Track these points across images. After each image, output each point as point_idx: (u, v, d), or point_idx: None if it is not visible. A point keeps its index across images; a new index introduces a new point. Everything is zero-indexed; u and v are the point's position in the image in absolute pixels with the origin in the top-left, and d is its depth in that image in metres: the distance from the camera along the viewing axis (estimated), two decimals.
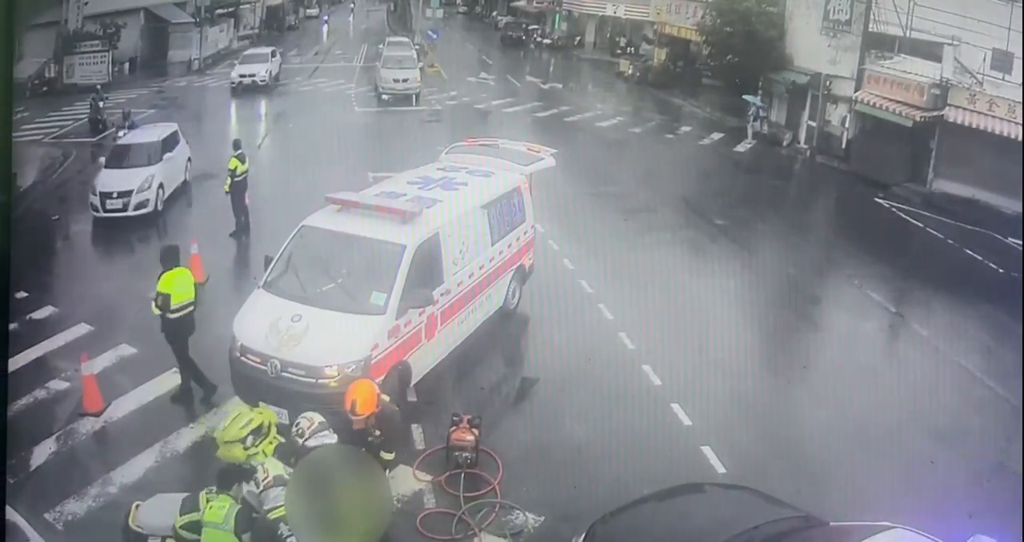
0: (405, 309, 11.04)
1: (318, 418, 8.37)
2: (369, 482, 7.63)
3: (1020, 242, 19.00)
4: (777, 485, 9.05)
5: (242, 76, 31.55)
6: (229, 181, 17.34)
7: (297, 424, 8.31)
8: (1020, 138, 20.79)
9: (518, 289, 14.25)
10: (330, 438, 8.20)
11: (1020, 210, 20.88)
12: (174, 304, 11.33)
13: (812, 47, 27.97)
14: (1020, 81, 21.53)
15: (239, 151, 17.53)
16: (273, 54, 33.75)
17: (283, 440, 8.26)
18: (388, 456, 8.94)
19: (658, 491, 8.68)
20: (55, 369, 12.06)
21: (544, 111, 32.37)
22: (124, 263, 17.73)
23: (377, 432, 8.82)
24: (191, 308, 11.52)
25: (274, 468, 7.73)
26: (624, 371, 12.52)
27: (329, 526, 7.26)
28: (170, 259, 11.52)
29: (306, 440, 8.15)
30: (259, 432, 8.04)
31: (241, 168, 17.38)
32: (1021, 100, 21.01)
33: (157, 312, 11.45)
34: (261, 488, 7.60)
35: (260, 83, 31.59)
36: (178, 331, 11.49)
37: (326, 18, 51.96)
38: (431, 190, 12.85)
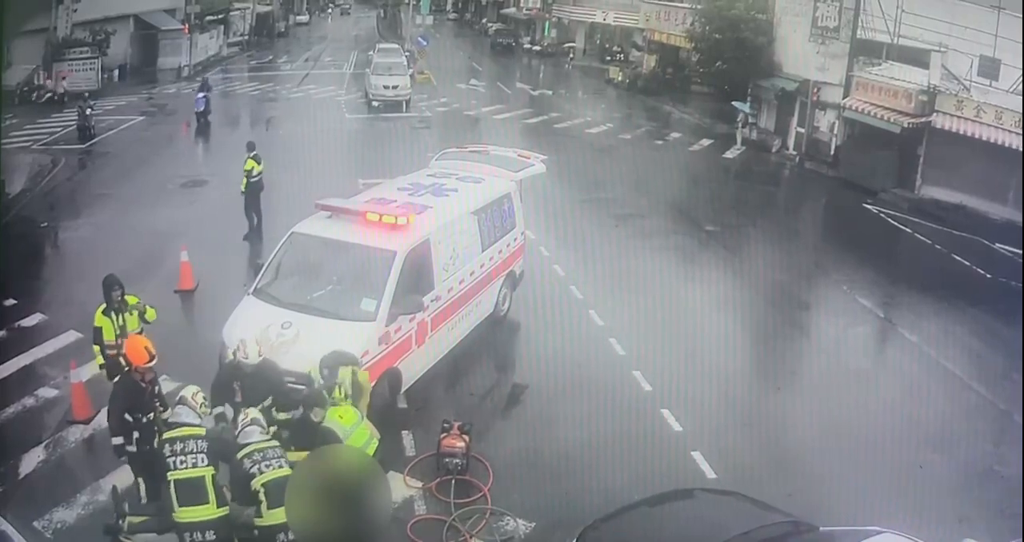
0: (395, 316, 11.01)
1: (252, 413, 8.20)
2: (368, 484, 7.60)
3: (1008, 247, 19.13)
4: (767, 490, 9.06)
5: None
6: (245, 181, 17.30)
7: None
8: (1008, 143, 20.95)
9: (509, 295, 14.25)
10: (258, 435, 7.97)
11: (1007, 215, 21.06)
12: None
13: (801, 54, 28.14)
14: (1007, 87, 21.72)
15: (254, 152, 17.42)
16: None
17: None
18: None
19: (649, 497, 8.67)
20: (44, 376, 11.98)
21: (534, 117, 32.45)
22: None
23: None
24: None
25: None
26: (614, 377, 12.51)
27: (326, 527, 7.23)
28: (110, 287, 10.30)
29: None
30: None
31: (257, 169, 17.29)
32: (1011, 106, 21.16)
33: (100, 362, 10.39)
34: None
35: None
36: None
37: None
38: (421, 196, 12.83)
